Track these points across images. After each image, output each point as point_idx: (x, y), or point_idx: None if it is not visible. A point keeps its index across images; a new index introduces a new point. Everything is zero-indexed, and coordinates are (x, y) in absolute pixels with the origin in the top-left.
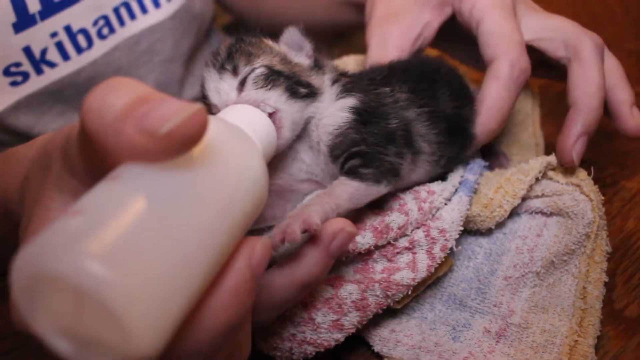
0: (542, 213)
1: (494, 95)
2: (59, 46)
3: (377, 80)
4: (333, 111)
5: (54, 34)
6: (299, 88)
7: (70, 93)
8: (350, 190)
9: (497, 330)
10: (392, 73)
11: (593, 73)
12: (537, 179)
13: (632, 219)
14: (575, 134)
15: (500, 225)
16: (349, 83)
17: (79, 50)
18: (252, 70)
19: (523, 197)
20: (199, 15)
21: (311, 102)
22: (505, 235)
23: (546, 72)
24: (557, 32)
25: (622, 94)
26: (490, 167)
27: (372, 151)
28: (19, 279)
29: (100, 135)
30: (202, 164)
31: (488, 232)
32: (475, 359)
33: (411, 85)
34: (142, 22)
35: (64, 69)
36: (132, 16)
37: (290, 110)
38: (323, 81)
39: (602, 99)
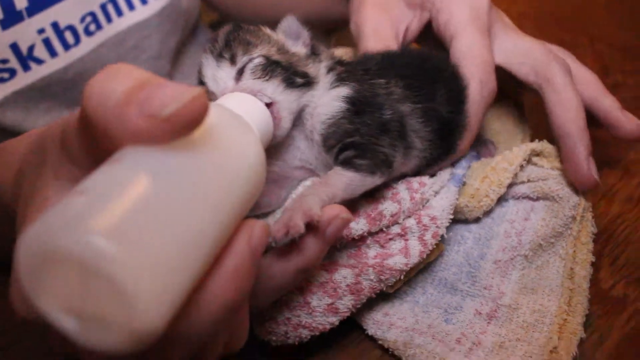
0: (529, 198)
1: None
2: (46, 43)
3: (373, 71)
4: (327, 100)
5: (41, 31)
6: (296, 78)
7: (57, 90)
8: (345, 181)
9: (488, 312)
10: (390, 65)
11: (569, 96)
12: (521, 166)
13: (617, 202)
14: (584, 159)
15: (488, 211)
16: (343, 72)
17: (66, 46)
18: (250, 60)
19: (509, 184)
20: (185, 12)
21: (307, 91)
22: (493, 220)
23: (518, 85)
24: (527, 58)
25: (607, 102)
26: (478, 156)
27: (366, 142)
28: (24, 258)
29: (102, 120)
30: (202, 147)
31: (474, 220)
32: (468, 340)
33: (409, 80)
34: (129, 18)
35: (51, 66)
36: (119, 13)
37: (287, 100)
38: (319, 69)
39: (585, 118)
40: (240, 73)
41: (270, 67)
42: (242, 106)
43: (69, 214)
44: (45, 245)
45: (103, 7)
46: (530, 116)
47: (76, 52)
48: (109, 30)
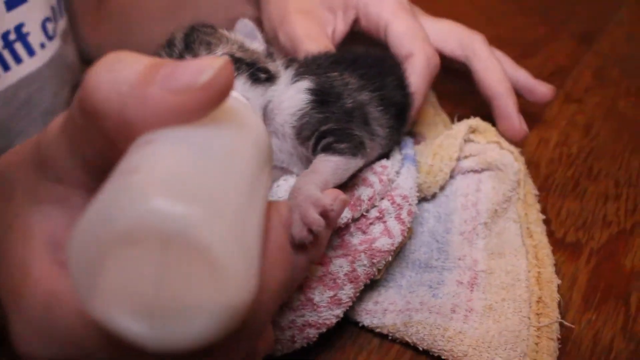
0: (474, 171)
1: (415, 87)
2: None
3: (325, 65)
4: (291, 94)
5: None
6: (260, 74)
7: None
8: (332, 166)
9: (469, 280)
10: (338, 60)
11: (494, 62)
12: (465, 141)
13: (543, 166)
14: (514, 115)
15: (441, 189)
16: (300, 67)
17: None
18: None
19: (457, 158)
20: (71, 66)
21: (269, 86)
22: (447, 197)
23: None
24: (450, 35)
25: (521, 72)
26: (413, 141)
27: (340, 127)
28: (78, 258)
29: (117, 108)
30: (226, 122)
31: (432, 197)
32: (461, 308)
33: (360, 71)
34: (18, 72)
35: None
36: (6, 67)
37: (255, 96)
38: (277, 66)
39: (509, 80)
40: None
41: (236, 65)
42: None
43: (130, 192)
44: (113, 229)
45: None
46: (456, 108)
47: None
48: None
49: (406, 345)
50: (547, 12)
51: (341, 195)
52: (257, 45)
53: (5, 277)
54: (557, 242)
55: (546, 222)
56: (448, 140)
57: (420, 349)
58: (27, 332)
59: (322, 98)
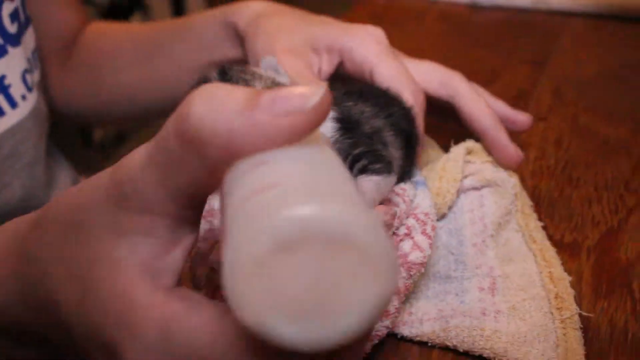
0: (475, 188)
1: None
2: None
3: (339, 97)
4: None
5: None
6: None
7: None
8: (373, 185)
9: (489, 286)
10: (349, 92)
11: (477, 97)
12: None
13: (528, 178)
14: (509, 144)
15: (448, 208)
16: None
17: None
18: None
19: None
20: (46, 115)
21: None
22: (455, 214)
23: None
24: (432, 75)
25: (499, 103)
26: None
27: (369, 149)
28: (233, 274)
29: (224, 135)
30: (315, 140)
31: (441, 217)
32: (489, 311)
33: (371, 102)
34: (1, 124)
35: None
36: None
37: None
38: None
39: (494, 112)
40: None
41: None
42: None
43: (280, 203)
44: (270, 240)
45: None
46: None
47: None
48: None
49: (445, 348)
50: (497, 44)
51: (390, 209)
52: (285, 80)
53: (105, 311)
54: (557, 244)
55: (543, 228)
56: (449, 164)
57: (461, 350)
58: (147, 357)
59: (346, 125)
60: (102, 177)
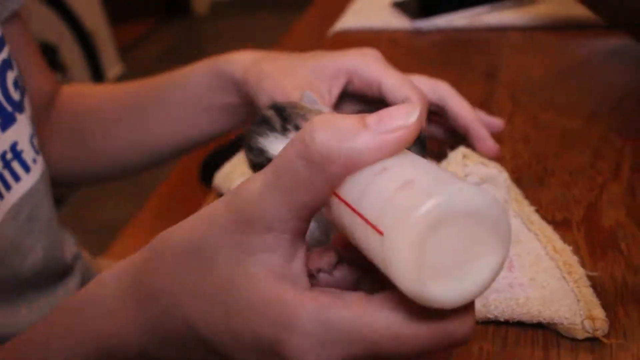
0: (476, 184)
1: None
2: None
3: None
4: None
5: None
6: None
7: None
8: None
9: (507, 264)
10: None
11: (462, 99)
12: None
13: (510, 171)
14: (488, 137)
15: None
16: None
17: None
18: None
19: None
20: (50, 178)
21: None
22: None
23: None
24: (423, 83)
25: (476, 110)
26: None
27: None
28: (400, 257)
29: (346, 152)
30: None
31: None
32: (515, 284)
33: None
34: (18, 190)
35: None
36: (8, 187)
37: None
38: None
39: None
40: None
41: None
42: None
43: (423, 194)
44: (426, 221)
45: None
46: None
47: None
48: (3, 206)
49: (485, 323)
50: (447, 63)
51: None
52: (326, 109)
53: (261, 318)
54: (550, 224)
55: (536, 212)
56: (451, 166)
57: (502, 320)
58: (310, 347)
59: None
60: (217, 209)
